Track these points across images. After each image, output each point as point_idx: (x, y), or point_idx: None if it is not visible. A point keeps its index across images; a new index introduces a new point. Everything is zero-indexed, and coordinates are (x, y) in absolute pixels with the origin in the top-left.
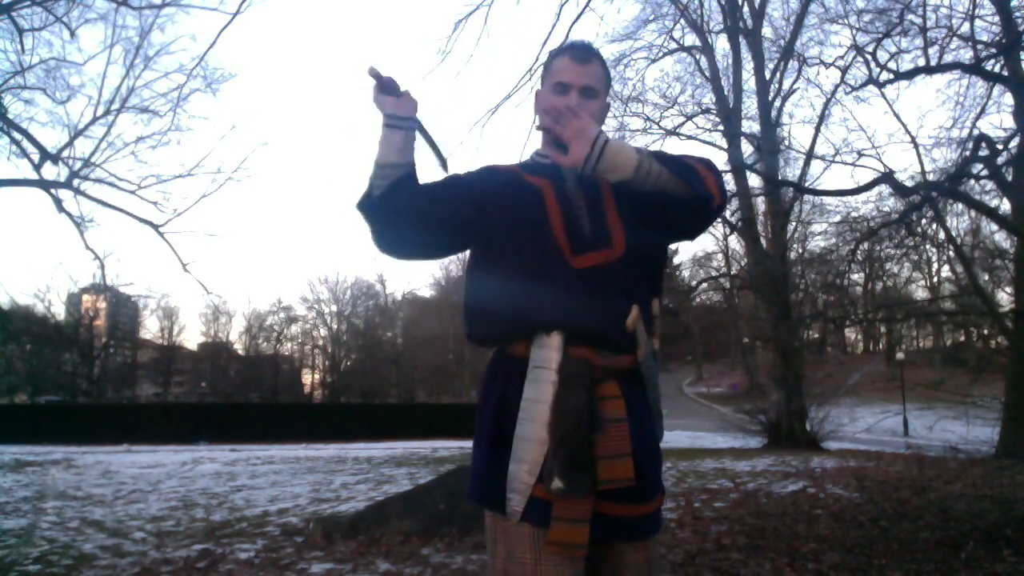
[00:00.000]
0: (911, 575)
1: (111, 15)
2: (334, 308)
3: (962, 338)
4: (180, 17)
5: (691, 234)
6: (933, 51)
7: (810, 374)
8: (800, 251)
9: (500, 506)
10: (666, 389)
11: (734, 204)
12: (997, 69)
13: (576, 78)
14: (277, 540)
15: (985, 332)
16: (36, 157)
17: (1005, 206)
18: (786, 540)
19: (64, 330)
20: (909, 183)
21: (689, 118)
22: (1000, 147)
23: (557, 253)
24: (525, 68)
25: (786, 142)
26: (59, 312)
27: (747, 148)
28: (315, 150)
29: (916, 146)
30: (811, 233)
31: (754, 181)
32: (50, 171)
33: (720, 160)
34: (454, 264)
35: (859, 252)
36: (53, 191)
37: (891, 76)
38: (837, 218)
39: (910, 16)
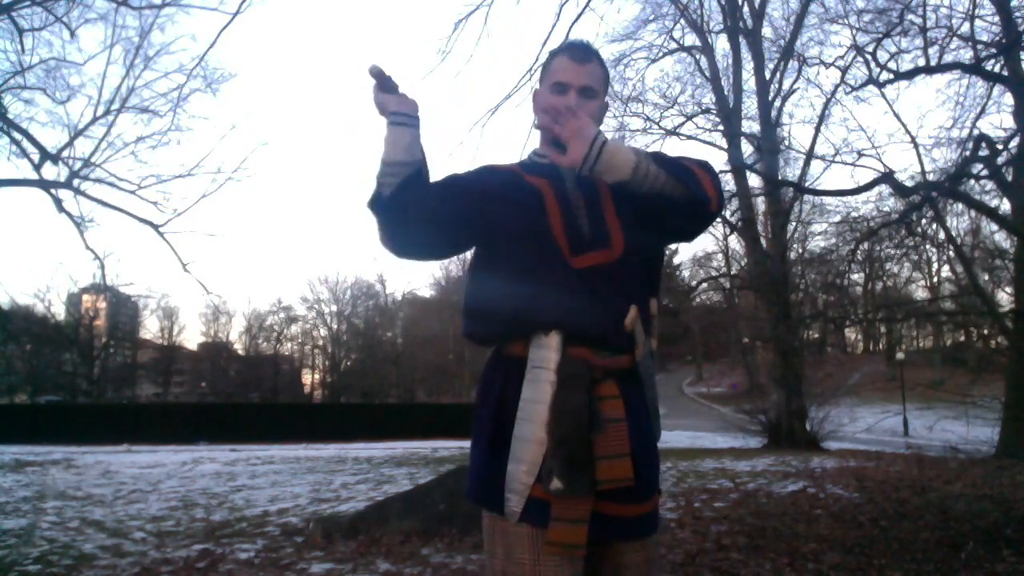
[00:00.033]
0: (911, 575)
1: (111, 15)
2: (334, 308)
3: (962, 338)
4: (180, 17)
5: (688, 236)
6: (933, 51)
7: (810, 374)
8: (800, 251)
9: (498, 506)
10: (666, 389)
11: (734, 204)
12: (997, 69)
13: (575, 78)
14: (277, 540)
15: (985, 332)
16: (36, 157)
17: (1005, 206)
18: (786, 540)
19: (64, 330)
20: (909, 183)
21: (689, 118)
22: (1000, 147)
23: (557, 253)
24: (525, 68)
25: (786, 142)
26: (59, 312)
27: (747, 148)
28: (315, 150)
29: (916, 146)
30: (811, 233)
31: (754, 181)
32: (50, 171)
33: (720, 160)
34: (454, 264)
35: (859, 252)
36: (53, 191)
37: (891, 76)
38: (837, 218)
39: (910, 16)
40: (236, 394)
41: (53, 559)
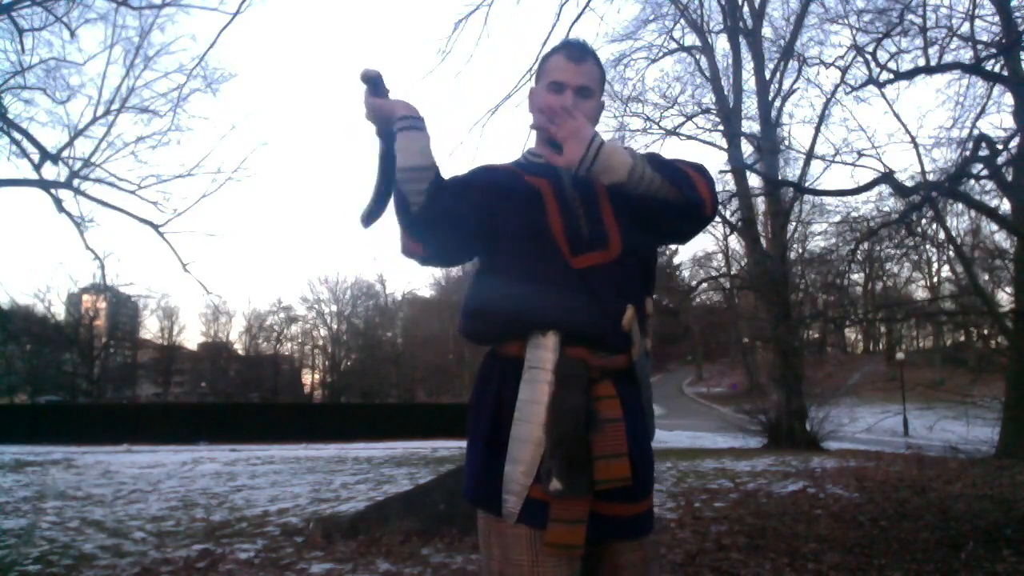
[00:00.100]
0: (911, 575)
1: (111, 15)
2: (334, 308)
3: (962, 338)
4: (180, 17)
5: (682, 238)
6: (933, 51)
7: (810, 374)
8: (800, 251)
9: (496, 507)
10: (666, 389)
11: (734, 204)
12: (997, 69)
13: (571, 77)
14: (277, 540)
15: (985, 332)
16: (36, 157)
17: (1005, 206)
18: (786, 540)
19: (64, 330)
20: (909, 183)
21: (689, 118)
22: (1000, 147)
23: (556, 253)
24: (525, 68)
25: (786, 142)
26: (59, 312)
27: (747, 148)
28: (315, 150)
29: (916, 146)
30: (811, 233)
31: (754, 181)
32: (50, 171)
33: (720, 160)
34: None
35: (859, 252)
36: (53, 191)
37: (891, 76)
38: (837, 218)
39: (910, 16)
40: (236, 394)
41: (53, 559)
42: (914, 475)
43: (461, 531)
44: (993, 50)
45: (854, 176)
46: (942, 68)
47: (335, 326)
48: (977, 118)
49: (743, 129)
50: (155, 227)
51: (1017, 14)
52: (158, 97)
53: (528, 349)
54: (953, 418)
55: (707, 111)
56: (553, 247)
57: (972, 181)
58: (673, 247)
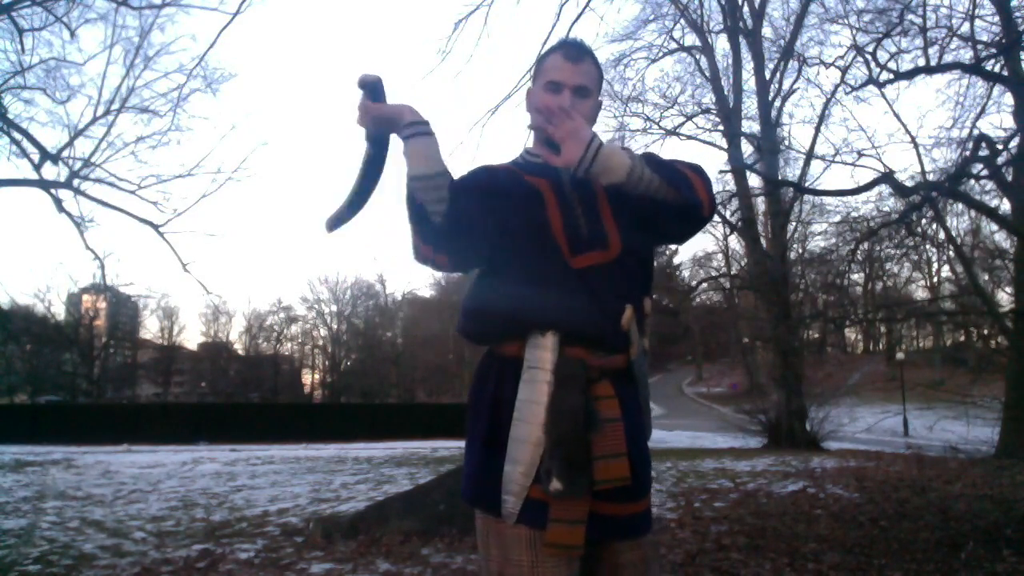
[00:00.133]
0: (911, 575)
1: (111, 15)
2: (334, 308)
3: (962, 338)
4: (180, 17)
5: (679, 238)
6: (933, 51)
7: (810, 374)
8: (800, 251)
9: (495, 508)
10: (666, 389)
11: (734, 204)
12: (997, 69)
13: (569, 77)
14: (277, 540)
15: (985, 332)
16: (36, 157)
17: (1005, 206)
18: (786, 540)
19: (64, 330)
20: (909, 183)
21: (689, 118)
22: (1000, 147)
23: (557, 253)
24: (525, 68)
25: (786, 142)
26: (59, 312)
27: (747, 148)
28: (315, 150)
29: (916, 146)
30: (811, 233)
31: (754, 181)
32: (50, 171)
33: (720, 160)
34: None
35: (859, 252)
36: (53, 191)
37: (891, 76)
38: (837, 218)
39: (910, 16)
40: (236, 394)
41: (53, 559)
42: (914, 475)
43: (461, 531)
44: (993, 50)
45: (854, 176)
46: (942, 68)
47: (335, 326)
48: (977, 118)
49: (743, 129)
50: (155, 227)
51: (1017, 14)
52: (158, 97)
53: (527, 349)
54: (953, 418)
55: (707, 111)
56: (553, 247)
57: (972, 181)
58: (673, 247)
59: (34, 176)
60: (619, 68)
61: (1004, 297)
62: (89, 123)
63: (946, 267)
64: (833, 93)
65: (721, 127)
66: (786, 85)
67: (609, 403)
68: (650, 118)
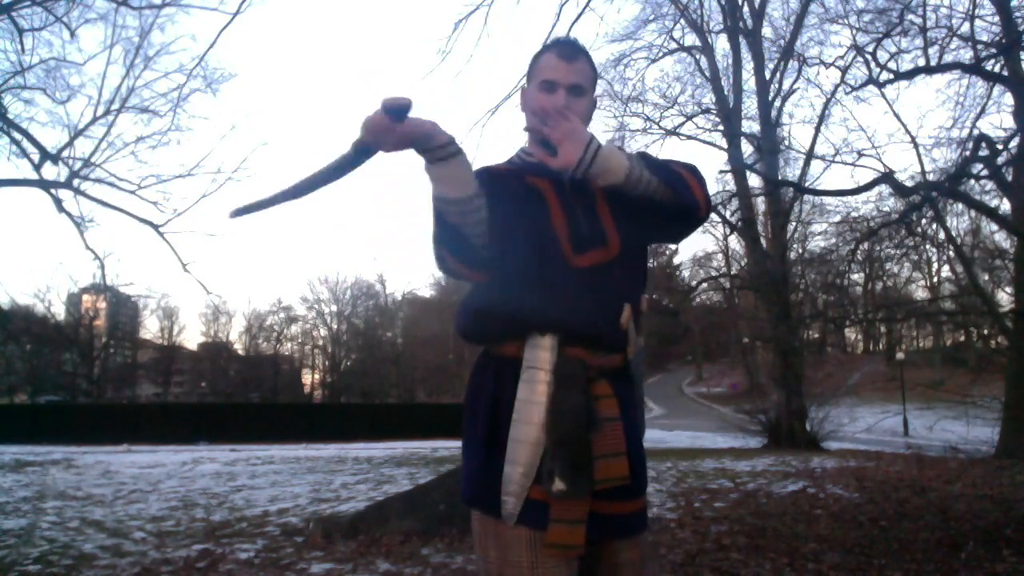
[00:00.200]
0: (911, 575)
1: (111, 15)
2: (334, 308)
3: (962, 338)
4: (180, 17)
5: (675, 238)
6: (933, 51)
7: (810, 374)
8: (800, 251)
9: (494, 509)
10: (666, 389)
11: (734, 204)
12: (997, 69)
13: (564, 76)
14: (277, 540)
15: (985, 332)
16: (36, 157)
17: (1005, 206)
18: (786, 540)
19: (64, 330)
20: (909, 183)
21: (689, 118)
22: (1000, 147)
23: (559, 252)
24: (525, 68)
25: (786, 142)
26: (59, 312)
27: (747, 148)
28: (315, 150)
29: (916, 146)
30: (811, 233)
31: (754, 181)
32: (50, 171)
33: (720, 160)
34: None
35: (859, 252)
36: (53, 191)
37: (891, 76)
38: (837, 218)
39: (910, 16)
40: (236, 394)
41: (53, 559)
42: (914, 475)
43: (461, 531)
44: (993, 50)
45: (854, 176)
46: (942, 68)
47: (335, 326)
48: (977, 118)
49: (743, 129)
50: (155, 227)
51: (1017, 14)
52: (158, 97)
53: (526, 349)
54: (953, 418)
55: (707, 111)
56: (556, 246)
57: (972, 181)
58: (673, 247)
59: (34, 176)
60: (619, 68)
61: (1004, 297)
62: (89, 123)
63: (946, 267)
64: (833, 93)
65: (721, 127)
66: (786, 85)
67: (608, 402)
68: (650, 118)
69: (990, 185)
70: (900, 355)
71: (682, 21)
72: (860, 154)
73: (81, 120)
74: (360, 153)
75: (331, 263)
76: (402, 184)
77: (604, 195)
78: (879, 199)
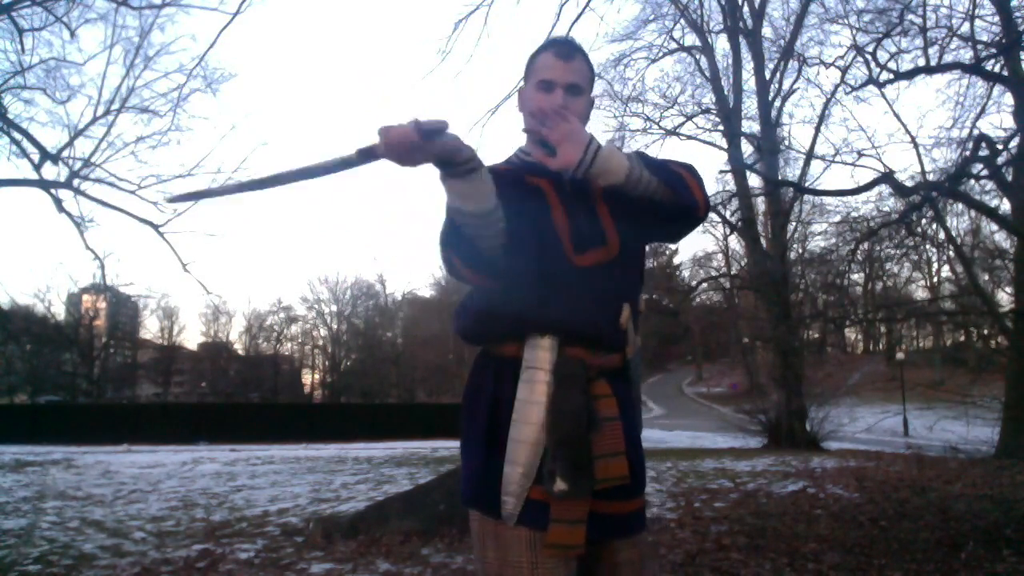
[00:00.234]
0: (911, 575)
1: (111, 15)
2: (334, 308)
3: (962, 338)
4: (180, 17)
5: (674, 238)
6: (933, 51)
7: (810, 374)
8: (800, 251)
9: (494, 509)
10: (666, 389)
11: (734, 204)
12: (997, 69)
13: (561, 75)
14: (277, 540)
15: (985, 332)
16: (36, 157)
17: (1005, 206)
18: (786, 540)
19: (64, 330)
20: (909, 183)
21: (689, 118)
22: (1000, 147)
23: (561, 252)
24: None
25: (786, 142)
26: (59, 312)
27: (747, 148)
28: (315, 150)
29: (916, 146)
30: (811, 233)
31: (754, 181)
32: (50, 171)
33: (720, 160)
34: None
35: (859, 252)
36: (53, 191)
37: (891, 76)
38: (837, 218)
39: (910, 16)
40: (236, 394)
41: (53, 559)
42: (914, 475)
43: (461, 531)
44: (993, 50)
45: (854, 176)
46: (942, 68)
47: (335, 326)
48: (977, 118)
49: (743, 129)
50: (155, 227)
51: (1017, 14)
52: (158, 97)
53: (526, 349)
54: (953, 418)
55: (707, 111)
56: (557, 246)
57: (972, 181)
58: (673, 247)
59: (34, 176)
60: (619, 68)
61: (1004, 297)
62: (89, 123)
63: (946, 267)
64: (833, 93)
65: (721, 127)
66: (786, 85)
67: (607, 402)
68: (650, 118)
69: (990, 185)
70: (900, 355)
71: (682, 21)
72: (860, 154)
73: (81, 120)
74: (364, 158)
75: (331, 263)
76: (402, 184)
77: (603, 195)
78: (879, 199)
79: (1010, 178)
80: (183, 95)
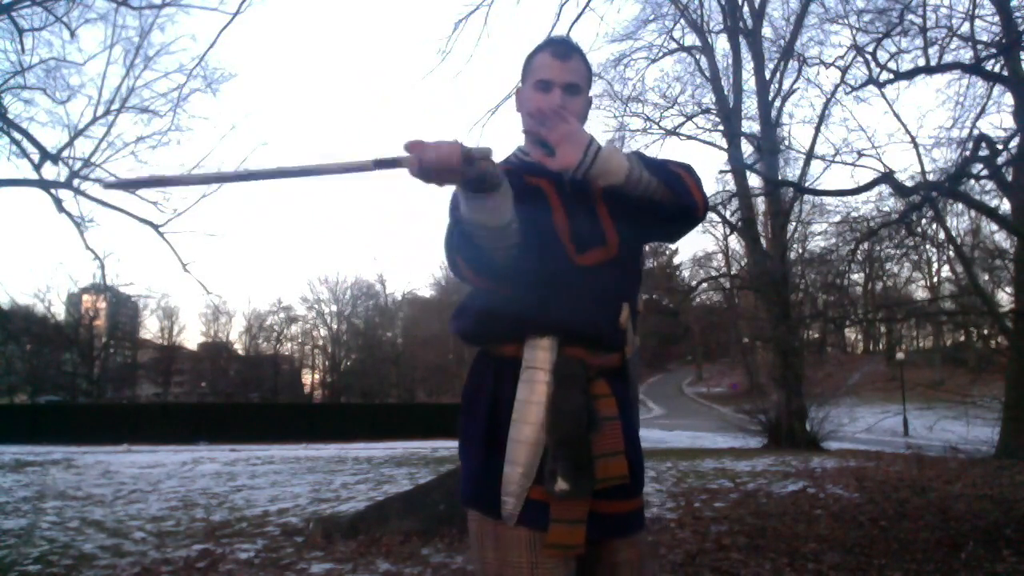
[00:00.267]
0: (911, 575)
1: (111, 15)
2: (334, 308)
3: (962, 338)
4: (180, 17)
5: (672, 237)
6: (933, 51)
7: (810, 374)
8: (800, 251)
9: (494, 509)
10: (666, 389)
11: (734, 204)
12: (997, 69)
13: (559, 75)
14: (277, 540)
15: (985, 332)
16: (36, 157)
17: (1005, 206)
18: (786, 540)
19: (64, 330)
20: (909, 183)
21: (689, 118)
22: (1000, 147)
23: (562, 252)
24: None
25: (786, 142)
26: (59, 312)
27: (747, 148)
28: (315, 150)
29: (916, 146)
30: (811, 233)
31: (754, 181)
32: (50, 171)
33: (720, 160)
34: None
35: (859, 252)
36: (53, 191)
37: (891, 76)
38: (837, 218)
39: (910, 16)
40: (236, 394)
41: (53, 559)
42: (914, 475)
43: (461, 531)
44: (993, 50)
45: (854, 176)
46: (942, 68)
47: (335, 326)
48: (977, 118)
49: (743, 129)
50: (155, 227)
51: (1017, 14)
52: (158, 97)
53: (525, 349)
54: (953, 418)
55: (707, 111)
56: (558, 246)
57: (972, 181)
58: (672, 247)
59: (34, 176)
60: (619, 68)
61: (1004, 297)
62: (89, 123)
63: (946, 267)
64: (833, 93)
65: (721, 127)
66: (786, 85)
67: (607, 401)
68: (650, 118)
69: (990, 185)
70: (900, 355)
71: (682, 21)
72: (860, 154)
73: (81, 120)
74: (381, 168)
75: (331, 263)
76: (402, 184)
77: (602, 195)
78: (879, 199)
79: (1010, 178)
80: (183, 95)
